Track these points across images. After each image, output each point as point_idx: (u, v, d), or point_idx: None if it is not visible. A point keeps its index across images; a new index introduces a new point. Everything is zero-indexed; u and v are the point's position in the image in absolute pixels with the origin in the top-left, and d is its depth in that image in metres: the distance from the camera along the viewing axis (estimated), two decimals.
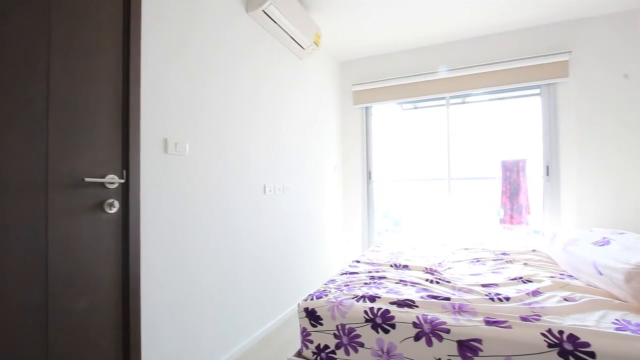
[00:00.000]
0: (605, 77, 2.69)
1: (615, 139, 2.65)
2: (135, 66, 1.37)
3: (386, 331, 1.23)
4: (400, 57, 3.40)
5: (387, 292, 1.44)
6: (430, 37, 3.11)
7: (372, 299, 1.37)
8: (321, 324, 1.35)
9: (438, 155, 3.35)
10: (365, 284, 1.59)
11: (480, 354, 1.11)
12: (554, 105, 2.88)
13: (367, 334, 1.27)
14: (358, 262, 2.05)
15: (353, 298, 1.40)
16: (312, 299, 1.43)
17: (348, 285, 1.58)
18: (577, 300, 1.27)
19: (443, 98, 3.29)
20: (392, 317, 1.24)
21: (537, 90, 2.95)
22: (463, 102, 3.29)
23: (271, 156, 2.39)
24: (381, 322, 1.25)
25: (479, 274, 1.72)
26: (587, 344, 1.02)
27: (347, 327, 1.30)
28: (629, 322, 1.11)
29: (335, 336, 1.32)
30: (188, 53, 1.68)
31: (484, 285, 1.51)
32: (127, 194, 1.33)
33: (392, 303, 1.32)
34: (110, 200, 1.25)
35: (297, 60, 2.79)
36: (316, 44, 2.69)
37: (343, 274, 1.78)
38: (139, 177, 1.39)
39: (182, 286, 1.62)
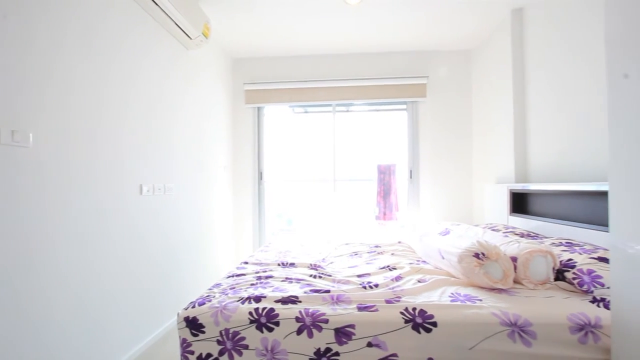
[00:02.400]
0: (450, 99, 3.37)
1: (454, 150, 3.35)
2: None
3: (270, 329, 1.25)
4: (293, 61, 3.52)
5: (273, 291, 1.47)
6: (319, 47, 3.32)
7: (258, 299, 1.37)
8: (203, 332, 1.28)
9: (325, 157, 3.60)
10: (252, 284, 1.58)
11: (354, 337, 1.24)
12: (416, 119, 3.45)
13: (251, 335, 1.26)
14: (246, 263, 2.03)
15: (238, 300, 1.38)
16: (193, 307, 1.34)
17: (234, 288, 1.54)
18: (427, 281, 1.54)
19: (330, 105, 3.56)
20: (277, 315, 1.27)
21: (404, 106, 3.49)
22: (347, 111, 3.62)
23: (149, 153, 2.14)
24: (266, 321, 1.26)
25: (356, 266, 1.92)
26: (432, 316, 1.25)
27: (231, 331, 1.27)
28: (459, 294, 1.41)
29: (219, 342, 1.28)
30: (33, 21, 1.36)
31: (359, 276, 1.69)
32: None
33: (277, 301, 1.35)
34: None
35: (183, 50, 2.58)
36: (205, 35, 2.54)
37: (229, 276, 1.73)
38: None
39: (18, 309, 1.30)
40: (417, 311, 1.27)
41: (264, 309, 1.30)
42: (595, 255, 1.45)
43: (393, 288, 1.48)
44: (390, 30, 2.96)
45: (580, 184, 1.86)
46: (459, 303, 1.32)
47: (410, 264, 1.85)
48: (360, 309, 1.29)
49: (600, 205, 1.76)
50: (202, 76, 2.92)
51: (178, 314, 1.33)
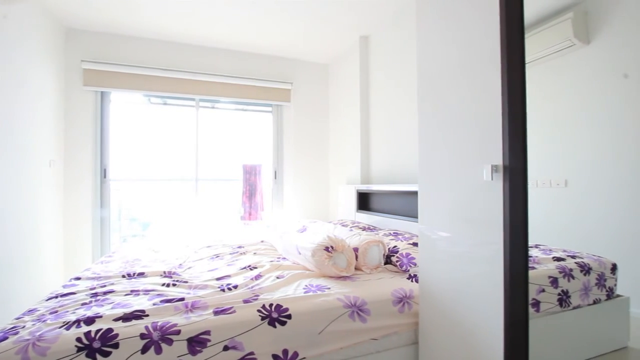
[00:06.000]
0: (312, 106, 3.67)
1: (314, 153, 3.68)
2: None
3: (106, 354, 1.08)
4: (151, 45, 3.13)
5: (113, 308, 1.27)
6: (184, 35, 3.06)
7: (91, 320, 1.16)
8: None
9: (187, 155, 3.34)
10: (84, 304, 1.32)
11: (209, 344, 1.19)
12: (280, 122, 3.61)
13: None
14: (78, 278, 1.68)
15: (62, 326, 1.13)
16: None
17: (57, 311, 1.26)
18: (285, 277, 1.63)
19: (193, 99, 3.32)
20: (115, 336, 1.10)
21: (270, 109, 3.59)
22: (213, 107, 3.45)
23: None
24: (100, 345, 1.08)
25: (216, 269, 1.86)
26: (287, 309, 1.33)
27: None
28: (312, 286, 1.55)
29: None
30: None
31: (218, 279, 1.64)
32: None
33: (117, 319, 1.18)
34: None
35: None
36: None
37: (51, 298, 1.40)
38: None
39: None
40: (273, 307, 1.33)
41: (98, 331, 1.10)
42: (411, 241, 1.85)
43: (252, 287, 1.50)
44: (258, 31, 2.98)
45: (403, 185, 2.33)
46: (311, 294, 1.45)
47: (271, 261, 1.92)
48: (216, 313, 1.26)
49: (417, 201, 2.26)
50: (16, 42, 2.25)
51: None
